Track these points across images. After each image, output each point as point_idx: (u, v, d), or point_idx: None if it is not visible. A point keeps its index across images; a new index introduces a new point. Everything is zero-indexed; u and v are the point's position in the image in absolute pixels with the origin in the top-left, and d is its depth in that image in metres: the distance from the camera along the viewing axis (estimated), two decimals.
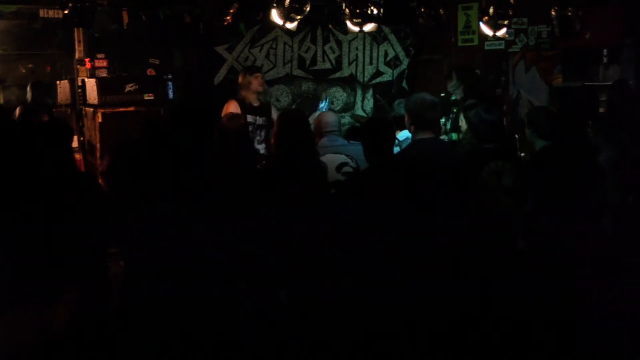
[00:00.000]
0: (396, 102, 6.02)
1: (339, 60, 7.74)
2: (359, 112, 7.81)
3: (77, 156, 6.07)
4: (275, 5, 5.81)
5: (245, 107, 5.87)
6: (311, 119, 5.44)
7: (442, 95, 6.86)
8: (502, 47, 7.77)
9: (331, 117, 5.00)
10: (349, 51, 7.77)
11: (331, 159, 4.61)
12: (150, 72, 6.59)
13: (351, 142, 4.74)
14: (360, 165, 4.57)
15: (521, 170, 4.31)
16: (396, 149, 5.00)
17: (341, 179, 4.54)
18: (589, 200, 4.12)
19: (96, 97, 5.89)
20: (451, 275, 3.87)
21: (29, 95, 6.29)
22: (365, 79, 7.90)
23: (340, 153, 4.64)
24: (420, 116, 4.48)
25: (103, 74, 6.30)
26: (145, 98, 6.06)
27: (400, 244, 3.77)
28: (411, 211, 3.81)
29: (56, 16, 6.22)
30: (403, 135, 5.15)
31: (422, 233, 3.81)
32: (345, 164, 4.59)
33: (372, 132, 4.04)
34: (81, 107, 6.11)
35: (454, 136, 5.63)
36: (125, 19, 6.19)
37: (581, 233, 4.03)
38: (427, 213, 3.84)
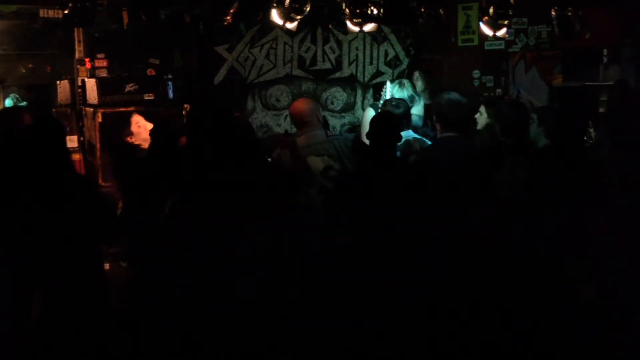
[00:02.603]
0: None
1: (339, 60, 7.73)
2: (359, 112, 7.79)
3: (77, 156, 6.06)
4: (275, 5, 5.81)
5: None
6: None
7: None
8: (502, 47, 7.77)
9: (304, 105, 4.84)
10: (349, 51, 7.76)
11: (314, 163, 4.53)
12: (150, 72, 6.58)
13: (330, 135, 4.69)
14: (344, 160, 4.55)
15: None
16: None
17: (327, 184, 4.50)
18: (585, 200, 4.12)
19: (96, 97, 5.88)
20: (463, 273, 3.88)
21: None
22: (366, 79, 7.89)
23: (322, 154, 4.57)
24: (444, 115, 4.50)
25: (103, 74, 6.29)
26: (145, 98, 6.05)
27: (397, 245, 3.77)
28: (408, 211, 3.81)
29: (56, 16, 6.20)
30: (404, 135, 5.16)
31: (424, 233, 3.81)
32: (330, 167, 4.53)
33: (375, 130, 4.03)
34: (81, 107, 6.10)
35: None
36: (125, 19, 6.17)
37: (577, 231, 4.03)
38: (426, 213, 3.84)
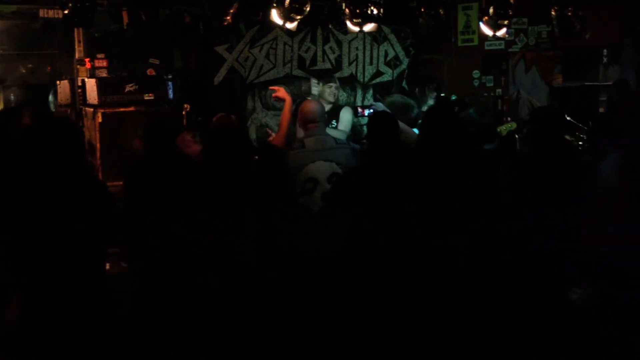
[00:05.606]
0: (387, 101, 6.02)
1: (339, 60, 7.74)
2: None
3: None
4: (275, 5, 5.81)
5: None
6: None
7: (442, 95, 6.87)
8: (502, 47, 7.78)
9: (317, 106, 4.79)
10: (349, 51, 7.77)
11: (323, 169, 4.47)
12: (150, 72, 6.58)
13: (339, 142, 4.65)
14: None
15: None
16: None
17: None
18: (570, 202, 4.10)
19: (96, 97, 5.88)
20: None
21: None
22: (366, 79, 7.90)
23: (331, 161, 4.51)
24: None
25: (103, 74, 6.28)
26: (145, 98, 6.04)
27: (400, 239, 3.75)
28: (411, 208, 3.79)
29: (56, 16, 6.20)
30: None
31: (424, 231, 3.79)
32: (336, 174, 4.48)
33: (374, 127, 4.02)
34: (81, 107, 6.10)
35: None
36: (125, 19, 6.17)
37: (558, 234, 4.01)
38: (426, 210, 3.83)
